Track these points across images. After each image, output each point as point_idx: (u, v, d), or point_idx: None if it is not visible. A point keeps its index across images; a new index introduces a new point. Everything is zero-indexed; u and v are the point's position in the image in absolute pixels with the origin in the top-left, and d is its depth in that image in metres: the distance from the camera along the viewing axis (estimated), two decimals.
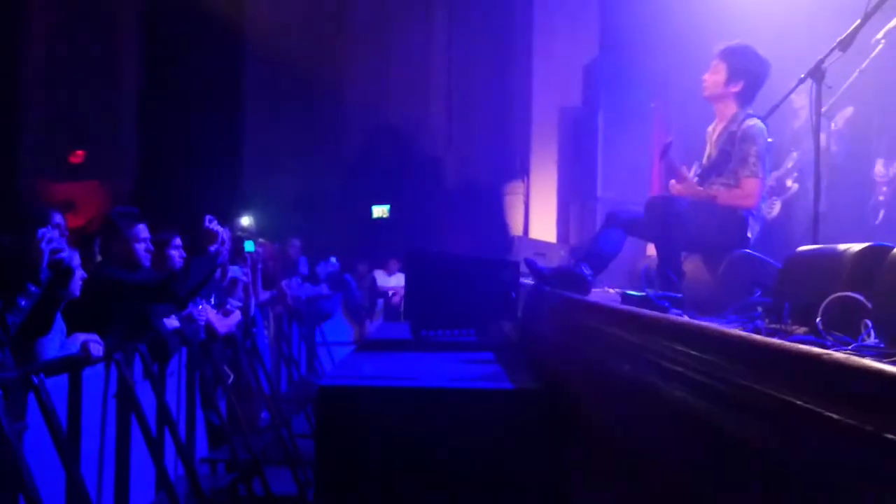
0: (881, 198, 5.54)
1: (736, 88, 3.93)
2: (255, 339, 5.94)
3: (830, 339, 2.20)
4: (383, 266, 10.06)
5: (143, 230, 4.16)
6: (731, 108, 3.98)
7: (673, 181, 4.10)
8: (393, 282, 9.97)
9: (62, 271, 2.98)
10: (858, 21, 3.32)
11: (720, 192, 3.90)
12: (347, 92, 12.78)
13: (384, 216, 12.55)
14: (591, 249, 3.94)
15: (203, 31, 12.37)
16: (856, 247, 2.53)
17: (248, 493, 4.76)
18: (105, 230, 4.11)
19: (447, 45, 11.94)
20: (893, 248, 2.25)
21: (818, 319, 2.35)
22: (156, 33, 13.18)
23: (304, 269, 8.41)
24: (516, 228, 9.53)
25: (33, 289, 2.92)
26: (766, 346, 1.61)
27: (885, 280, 2.22)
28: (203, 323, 4.74)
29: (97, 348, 3.39)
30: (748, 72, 3.92)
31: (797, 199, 6.10)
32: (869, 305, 2.26)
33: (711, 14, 6.79)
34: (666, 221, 3.68)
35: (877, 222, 5.41)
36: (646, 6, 7.98)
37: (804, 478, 1.29)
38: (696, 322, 2.22)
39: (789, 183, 6.14)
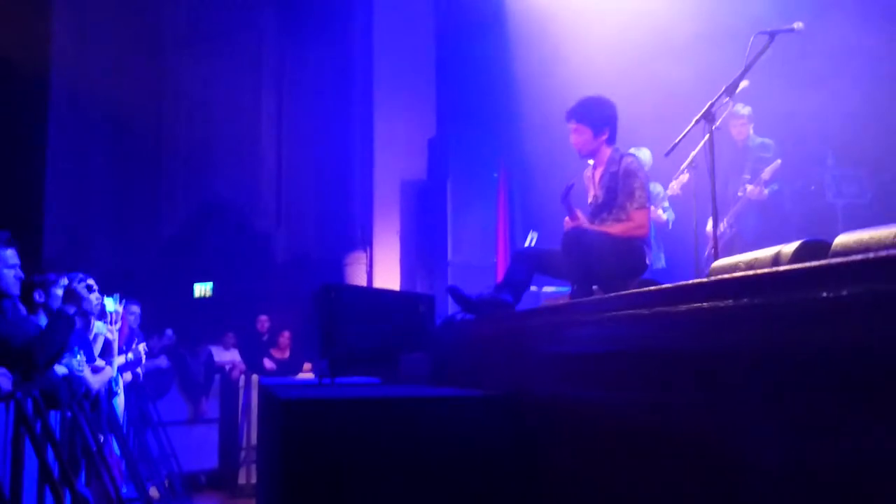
0: (712, 250, 6.25)
1: (604, 136, 4.32)
2: (112, 405, 5.45)
3: None
4: (218, 341, 9.61)
5: (12, 256, 3.81)
6: (605, 153, 4.35)
7: (567, 219, 4.39)
8: (229, 356, 9.53)
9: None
10: (742, 70, 3.87)
11: (614, 227, 4.21)
12: (166, 164, 12.28)
13: (206, 295, 12.02)
14: (506, 280, 4.10)
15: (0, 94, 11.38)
16: (789, 246, 2.87)
17: None
18: None
19: (277, 118, 11.93)
20: (828, 241, 2.60)
21: None
22: None
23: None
24: None
25: None
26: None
27: None
28: (82, 377, 4.33)
29: (6, 382, 3.03)
30: (608, 118, 4.33)
31: None
32: None
33: (542, 89, 7.47)
34: (582, 252, 3.93)
35: None
36: (479, 83, 8.62)
37: None
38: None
39: None
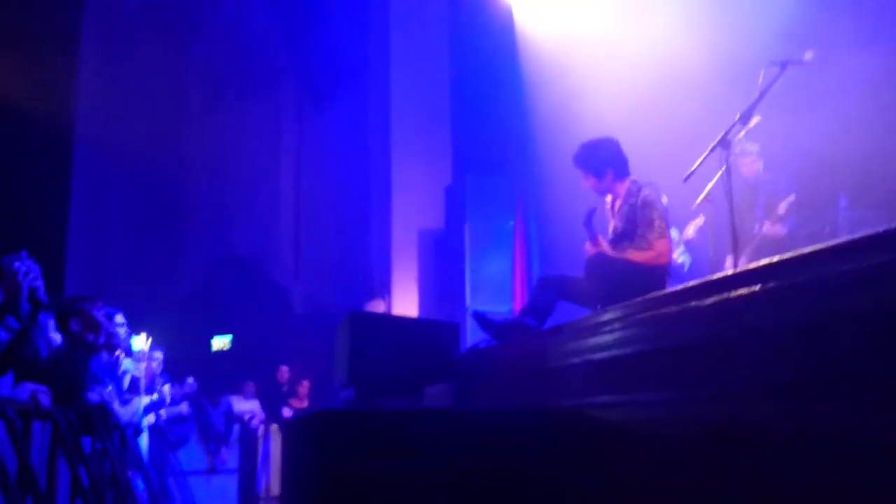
0: None
1: (610, 176, 4.39)
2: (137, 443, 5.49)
3: None
4: (238, 390, 9.65)
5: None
6: (621, 186, 4.42)
7: (588, 245, 4.44)
8: (248, 406, 9.56)
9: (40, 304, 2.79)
10: (755, 98, 4.00)
11: (635, 255, 4.27)
12: (186, 217, 12.49)
13: (225, 348, 12.08)
14: (530, 305, 4.17)
15: (26, 147, 11.64)
16: None
17: None
18: None
19: (295, 171, 12.17)
20: None
21: None
22: None
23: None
24: None
25: (13, 322, 2.71)
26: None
27: None
28: (112, 408, 4.40)
29: (46, 399, 3.11)
30: (607, 160, 4.39)
31: None
32: None
33: (558, 133, 7.62)
34: (604, 277, 4.00)
35: None
36: (495, 130, 8.83)
37: None
38: None
39: None
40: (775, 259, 2.04)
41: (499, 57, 8.47)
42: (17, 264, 2.73)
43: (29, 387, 3.06)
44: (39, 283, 2.76)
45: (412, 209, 9.50)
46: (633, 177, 4.42)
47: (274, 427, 9.26)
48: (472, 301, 8.23)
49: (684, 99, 5.82)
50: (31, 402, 3.02)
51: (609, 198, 4.52)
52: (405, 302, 9.31)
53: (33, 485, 2.61)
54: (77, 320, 4.13)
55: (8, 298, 2.68)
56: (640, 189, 4.34)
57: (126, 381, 5.13)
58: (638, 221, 4.28)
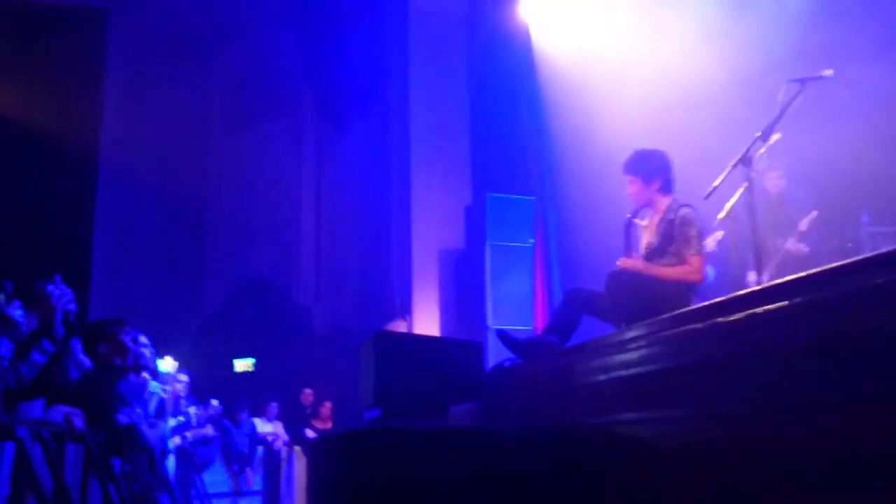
0: None
1: (656, 186, 4.41)
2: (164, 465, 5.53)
3: None
4: (262, 412, 9.68)
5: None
6: (662, 201, 4.43)
7: (624, 258, 4.43)
8: (271, 427, 9.59)
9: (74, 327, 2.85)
10: (775, 116, 4.01)
11: (669, 270, 4.25)
12: (208, 241, 12.63)
13: (248, 370, 12.15)
14: (554, 322, 4.18)
15: (51, 172, 11.84)
16: None
17: None
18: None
19: (316, 194, 12.28)
20: None
21: None
22: None
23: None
24: None
25: (48, 345, 2.77)
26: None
27: None
28: (141, 429, 4.44)
29: (79, 421, 3.16)
30: (656, 169, 4.42)
31: None
32: None
33: (576, 152, 7.65)
34: (629, 293, 4.00)
35: None
36: (514, 150, 8.88)
37: None
38: None
39: None
40: (802, 275, 2.05)
41: (517, 76, 8.54)
42: (50, 288, 2.79)
43: (62, 409, 3.12)
44: (73, 307, 2.82)
45: (432, 229, 9.55)
46: (674, 195, 4.43)
47: (297, 449, 9.28)
48: (494, 320, 8.24)
49: (702, 116, 5.84)
50: (64, 424, 3.08)
51: (647, 216, 4.53)
52: (426, 322, 9.33)
53: None
54: (105, 344, 4.19)
55: (42, 322, 2.75)
56: (680, 207, 4.36)
57: (153, 404, 5.19)
58: (674, 237, 4.29)
